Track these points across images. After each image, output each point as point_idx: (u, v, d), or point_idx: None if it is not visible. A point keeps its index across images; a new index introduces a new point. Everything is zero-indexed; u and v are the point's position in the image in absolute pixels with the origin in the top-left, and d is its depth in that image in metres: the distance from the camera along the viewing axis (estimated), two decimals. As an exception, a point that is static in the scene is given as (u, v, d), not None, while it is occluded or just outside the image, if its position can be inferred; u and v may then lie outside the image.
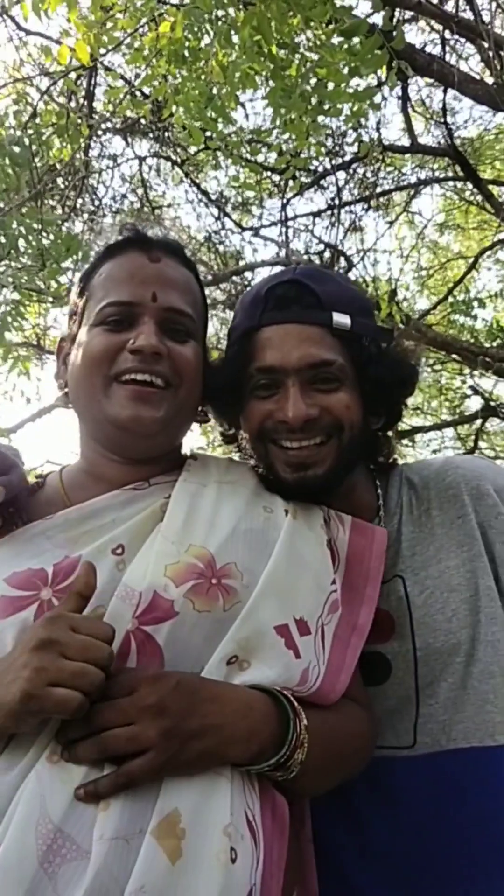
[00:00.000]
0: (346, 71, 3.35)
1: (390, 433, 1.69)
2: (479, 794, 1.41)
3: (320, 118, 3.86)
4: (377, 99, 4.14)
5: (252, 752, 1.11)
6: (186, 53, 3.96)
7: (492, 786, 1.42)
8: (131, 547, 1.25)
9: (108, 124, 7.09)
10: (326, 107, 3.36)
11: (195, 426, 1.57)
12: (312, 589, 1.30)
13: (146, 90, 6.04)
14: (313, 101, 3.55)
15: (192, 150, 7.36)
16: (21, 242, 4.58)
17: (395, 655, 1.50)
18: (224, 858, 1.00)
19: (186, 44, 3.90)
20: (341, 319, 1.47)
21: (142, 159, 7.77)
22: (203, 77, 4.08)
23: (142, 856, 0.97)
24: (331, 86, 3.46)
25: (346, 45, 3.26)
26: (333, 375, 1.47)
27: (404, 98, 6.41)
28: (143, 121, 6.96)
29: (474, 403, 9.30)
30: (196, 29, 3.78)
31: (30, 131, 4.41)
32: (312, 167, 5.91)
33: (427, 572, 1.52)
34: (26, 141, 4.36)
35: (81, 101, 6.10)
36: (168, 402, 1.36)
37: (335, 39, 3.43)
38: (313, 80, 3.39)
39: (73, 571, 1.19)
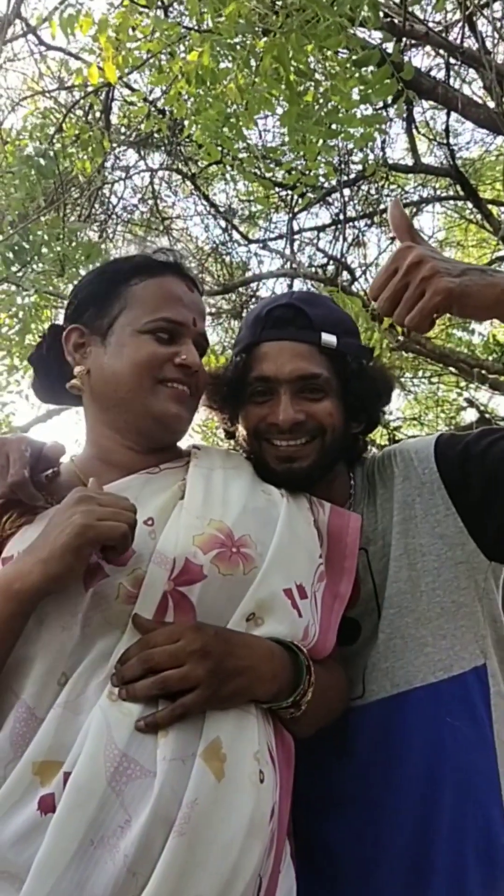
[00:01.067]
0: (356, 97, 3.61)
1: (369, 437, 1.93)
2: (424, 731, 1.58)
3: (330, 140, 4.10)
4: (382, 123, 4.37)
5: (273, 692, 1.32)
6: (202, 74, 4.19)
7: (435, 720, 1.59)
8: (159, 519, 1.42)
9: (123, 137, 7.32)
10: (338, 130, 3.60)
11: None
12: (306, 560, 1.51)
13: (163, 106, 6.31)
14: (326, 122, 3.79)
15: (203, 163, 7.59)
16: (43, 249, 4.82)
17: (363, 618, 1.70)
18: (255, 779, 1.21)
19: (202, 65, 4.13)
20: (329, 339, 1.70)
21: (153, 171, 8.00)
22: (221, 97, 4.33)
23: (194, 774, 1.15)
24: (342, 111, 3.72)
25: (358, 74, 3.51)
26: (320, 386, 1.69)
27: (409, 120, 6.64)
28: (156, 135, 7.18)
29: (469, 416, 9.50)
30: (216, 53, 4.03)
31: (56, 145, 4.65)
32: (319, 184, 6.15)
33: (384, 541, 1.73)
34: (52, 153, 4.61)
35: (99, 115, 6.33)
36: (191, 406, 1.61)
37: (347, 67, 3.68)
38: (327, 106, 3.63)
39: None
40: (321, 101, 3.58)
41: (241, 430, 1.81)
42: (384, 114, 4.01)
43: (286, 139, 5.59)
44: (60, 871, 1.09)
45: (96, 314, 1.60)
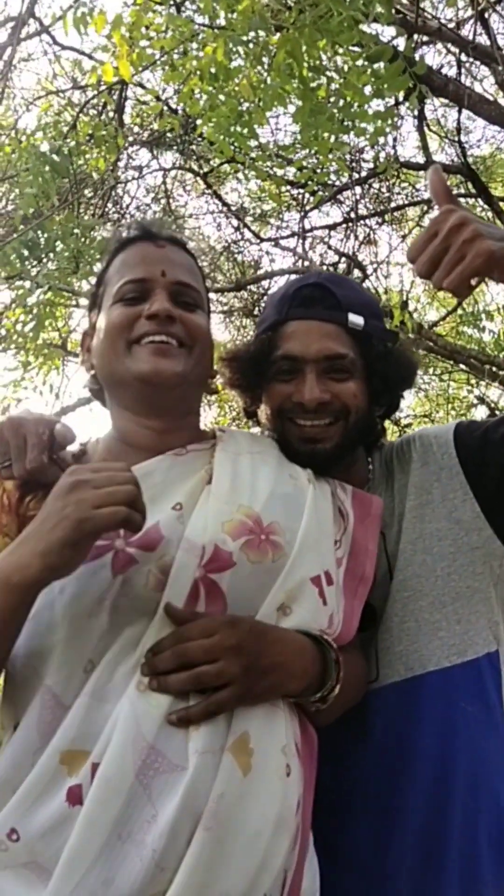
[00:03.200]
0: (368, 92, 3.63)
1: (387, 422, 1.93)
2: (437, 715, 1.58)
3: (343, 136, 4.13)
4: (394, 118, 4.39)
5: (303, 687, 1.32)
6: (216, 71, 4.21)
7: (448, 704, 1.59)
8: (187, 505, 1.39)
9: (136, 136, 7.36)
10: (350, 126, 3.62)
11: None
12: (330, 547, 1.50)
13: (175, 105, 6.34)
14: (338, 118, 3.82)
15: (215, 162, 7.62)
16: (58, 244, 4.86)
17: (378, 601, 1.68)
18: (282, 773, 1.21)
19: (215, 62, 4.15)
20: (356, 320, 1.70)
21: (166, 171, 8.04)
22: (233, 94, 4.35)
23: (222, 769, 1.15)
24: (355, 107, 3.74)
25: (370, 69, 3.53)
26: (345, 367, 1.69)
27: (420, 117, 6.65)
28: (169, 134, 7.21)
29: (480, 413, 9.50)
30: (229, 49, 4.05)
31: (70, 142, 4.69)
32: (331, 181, 6.17)
33: (400, 526, 1.73)
34: (66, 151, 4.65)
35: (112, 114, 6.37)
36: (184, 358, 1.50)
37: (360, 63, 3.70)
38: (339, 102, 3.65)
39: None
40: (334, 97, 3.59)
41: (265, 409, 1.80)
42: (396, 111, 4.00)
43: (298, 137, 5.64)
44: (87, 866, 1.09)
45: (92, 310, 1.64)
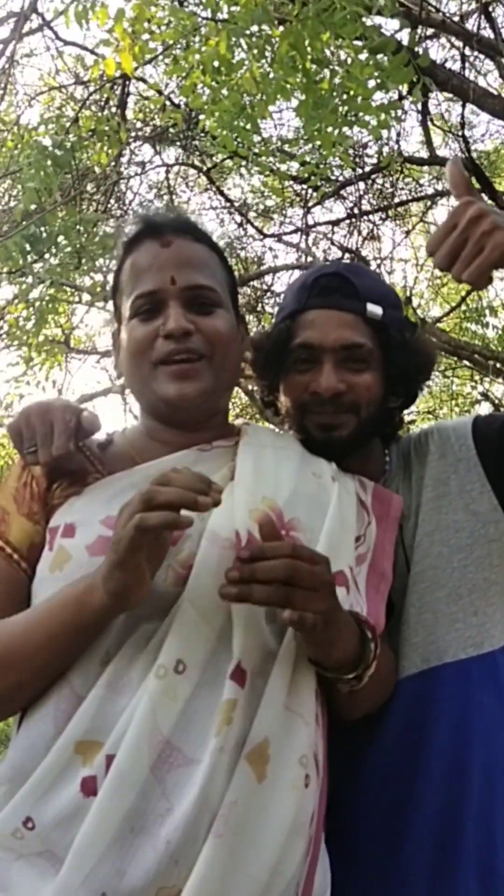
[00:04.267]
0: (372, 85, 3.61)
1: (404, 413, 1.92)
2: (453, 708, 1.58)
3: (346, 130, 4.10)
4: (398, 112, 4.36)
5: (343, 660, 1.30)
6: (218, 64, 4.19)
7: (464, 697, 1.59)
8: None
9: (139, 132, 7.35)
10: (354, 119, 3.60)
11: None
12: (348, 546, 1.46)
13: (177, 99, 6.33)
14: (342, 111, 3.79)
15: (218, 158, 7.61)
16: (60, 239, 4.85)
17: (395, 594, 1.68)
18: (299, 783, 1.18)
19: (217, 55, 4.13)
20: (374, 309, 1.69)
21: (169, 167, 8.02)
22: (236, 88, 4.33)
23: (237, 775, 1.13)
24: (359, 100, 3.72)
25: (374, 62, 3.51)
26: (363, 357, 1.68)
27: (424, 112, 6.63)
28: (171, 129, 7.20)
29: (484, 409, 9.48)
30: (232, 42, 4.03)
31: (71, 136, 4.67)
32: (334, 177, 6.15)
33: (417, 519, 1.73)
34: (68, 145, 4.63)
35: (114, 109, 6.35)
36: (206, 372, 1.47)
37: (363, 55, 3.68)
38: (343, 95, 3.63)
39: None
40: (337, 90, 3.57)
41: (283, 400, 1.79)
42: (400, 105, 3.97)
43: (301, 132, 5.61)
44: (98, 856, 1.09)
45: (115, 314, 1.62)
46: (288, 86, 3.61)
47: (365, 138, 6.64)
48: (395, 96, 4.39)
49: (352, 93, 3.50)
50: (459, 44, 6.33)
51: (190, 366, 1.45)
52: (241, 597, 1.17)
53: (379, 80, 3.49)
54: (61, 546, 1.34)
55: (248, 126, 4.35)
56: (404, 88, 4.73)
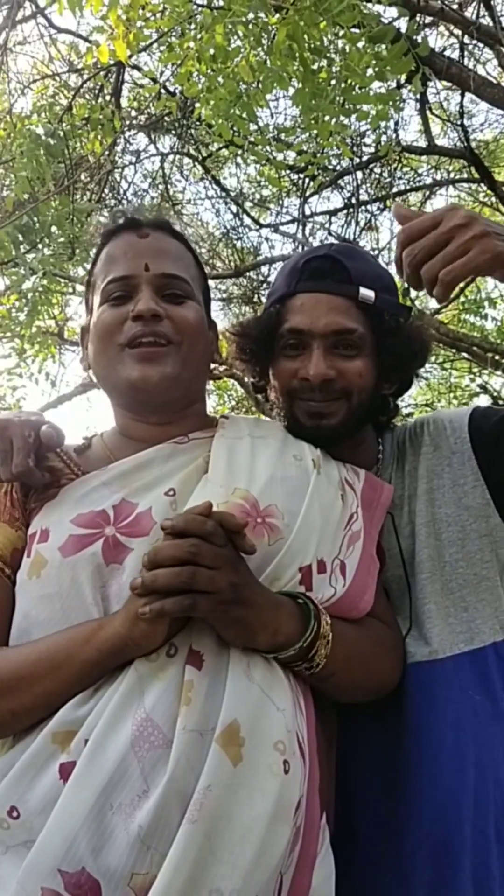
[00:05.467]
0: (370, 74, 3.54)
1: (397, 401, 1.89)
2: (447, 704, 1.55)
3: (344, 119, 4.03)
4: (397, 101, 4.29)
5: (277, 643, 1.26)
6: (214, 52, 4.13)
7: (458, 693, 1.56)
8: (182, 491, 1.39)
9: (134, 121, 7.26)
10: (352, 109, 3.53)
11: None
12: (333, 531, 1.46)
13: (173, 87, 6.24)
14: (339, 101, 3.72)
15: (214, 147, 7.53)
16: (53, 229, 4.78)
17: (389, 583, 1.67)
18: (276, 769, 1.15)
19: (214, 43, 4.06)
20: (367, 293, 1.65)
21: (164, 156, 7.94)
22: (232, 76, 4.26)
23: (209, 758, 1.10)
24: (357, 89, 3.65)
25: (372, 50, 3.44)
26: (354, 343, 1.65)
27: (422, 100, 6.56)
28: (167, 118, 7.12)
29: (483, 402, 9.45)
30: (228, 30, 3.96)
31: (64, 125, 4.60)
32: (331, 166, 6.07)
33: (409, 507, 1.71)
34: (61, 133, 4.56)
35: (109, 97, 6.27)
36: (172, 357, 1.48)
37: (361, 44, 3.61)
38: (341, 84, 3.56)
39: (133, 512, 1.35)
40: (335, 79, 3.50)
41: (273, 385, 1.77)
42: (398, 94, 3.90)
43: (298, 121, 5.54)
44: (76, 829, 1.07)
45: (86, 308, 1.62)
46: (286, 74, 3.53)
47: (363, 127, 6.59)
48: (394, 85, 4.30)
49: (350, 82, 3.42)
50: (458, 32, 6.25)
51: (156, 350, 1.46)
52: (147, 585, 1.18)
53: (377, 70, 3.42)
54: (37, 551, 1.35)
55: (245, 115, 4.29)
56: (402, 77, 4.67)
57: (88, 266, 1.72)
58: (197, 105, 4.43)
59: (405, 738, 1.55)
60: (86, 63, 5.09)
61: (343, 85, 3.52)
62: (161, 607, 1.16)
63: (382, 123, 5.61)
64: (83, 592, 1.29)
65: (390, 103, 3.51)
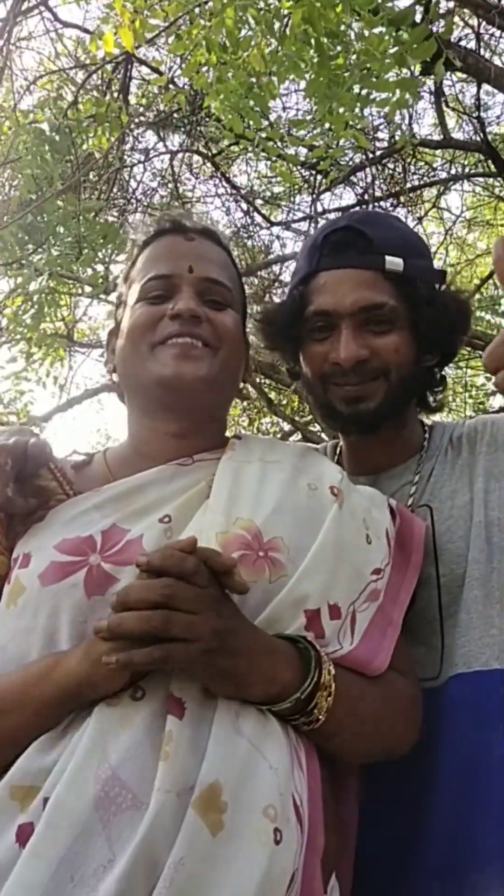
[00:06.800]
0: (389, 60, 3.37)
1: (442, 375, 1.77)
2: (474, 722, 1.42)
3: (363, 109, 3.86)
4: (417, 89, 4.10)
5: (271, 693, 1.13)
6: (227, 42, 3.97)
7: (490, 712, 1.43)
8: (178, 517, 1.28)
9: (142, 118, 7.13)
10: (372, 97, 3.36)
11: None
12: (351, 576, 1.31)
13: (181, 82, 6.09)
14: (357, 89, 3.56)
15: (224, 143, 7.39)
16: (59, 229, 4.63)
17: (420, 583, 1.51)
18: (266, 839, 1.00)
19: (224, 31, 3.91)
20: (394, 262, 1.55)
21: (173, 154, 7.80)
22: (243, 67, 4.10)
23: (184, 826, 0.97)
24: (375, 77, 3.48)
25: (392, 35, 3.27)
26: (385, 317, 1.56)
27: (437, 92, 6.40)
28: (175, 114, 7.00)
29: (498, 401, 9.25)
30: (239, 17, 3.80)
31: (70, 120, 4.44)
32: (345, 160, 5.90)
33: (452, 502, 1.59)
34: (67, 129, 4.40)
35: (116, 93, 6.13)
36: (209, 360, 1.41)
37: (380, 28, 3.44)
38: (359, 71, 3.39)
39: (122, 539, 1.24)
40: (353, 66, 3.33)
41: (305, 371, 1.68)
42: (420, 80, 3.72)
43: (310, 114, 5.37)
44: None
45: (117, 309, 1.57)
46: (301, 61, 3.36)
47: (376, 121, 6.43)
48: (416, 72, 4.11)
49: (369, 69, 3.25)
50: (474, 22, 6.09)
51: (193, 346, 1.39)
52: (112, 629, 1.06)
53: (398, 55, 3.25)
54: (17, 577, 1.26)
55: (256, 107, 4.12)
56: (417, 67, 4.49)
57: (96, 266, 1.65)
58: (206, 97, 4.25)
59: (419, 758, 1.40)
60: (91, 54, 4.93)
61: (361, 72, 3.34)
62: (128, 658, 1.04)
63: (397, 117, 5.44)
64: (59, 630, 1.18)
65: (412, 91, 3.32)
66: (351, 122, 3.69)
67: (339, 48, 3.44)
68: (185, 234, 1.51)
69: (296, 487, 1.39)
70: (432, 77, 3.46)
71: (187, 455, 1.42)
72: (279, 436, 8.61)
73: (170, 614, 1.05)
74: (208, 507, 1.30)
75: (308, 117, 5.24)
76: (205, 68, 4.16)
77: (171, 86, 5.33)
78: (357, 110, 3.85)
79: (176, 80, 6.11)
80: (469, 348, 8.32)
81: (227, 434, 1.58)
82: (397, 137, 5.48)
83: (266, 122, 4.85)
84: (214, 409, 1.51)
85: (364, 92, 3.47)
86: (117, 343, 1.50)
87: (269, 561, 1.22)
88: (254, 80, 4.08)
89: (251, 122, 4.44)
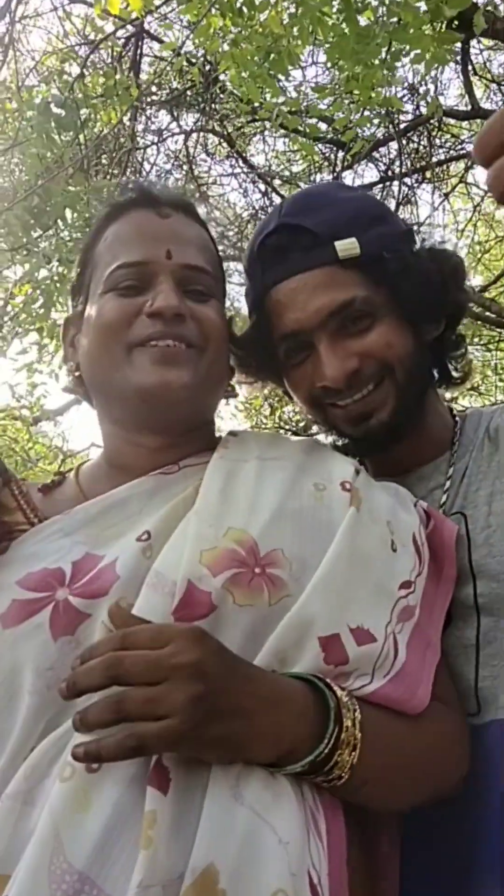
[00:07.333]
0: (423, 12, 3.07)
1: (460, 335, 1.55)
2: None
3: (390, 72, 3.55)
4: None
5: (280, 751, 0.94)
6: (243, 5, 3.70)
7: None
8: (159, 533, 1.11)
9: (154, 97, 6.88)
10: (404, 51, 3.06)
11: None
12: (373, 594, 1.11)
13: (195, 60, 5.82)
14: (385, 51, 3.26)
15: (240, 121, 7.14)
16: (68, 213, 4.37)
17: (452, 603, 1.30)
18: None
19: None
20: (346, 246, 1.33)
21: (187, 133, 7.54)
22: (260, 31, 3.82)
23: None
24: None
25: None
26: (361, 312, 1.35)
27: (464, 60, 6.05)
28: (189, 92, 6.75)
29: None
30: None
31: (77, 93, 4.16)
32: (371, 130, 5.58)
33: (490, 508, 1.36)
34: (73, 104, 4.13)
35: (127, 71, 5.88)
36: (195, 364, 1.23)
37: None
38: (388, 26, 3.09)
39: (95, 569, 1.08)
40: (383, 17, 3.03)
41: (297, 400, 1.49)
42: (458, 35, 3.41)
43: (334, 85, 5.07)
44: None
45: (77, 294, 1.37)
46: (324, 16, 3.05)
47: (399, 93, 6.10)
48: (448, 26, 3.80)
49: (400, 20, 2.94)
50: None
51: (177, 351, 1.21)
52: (85, 729, 0.89)
53: (433, 6, 2.93)
54: None
55: (276, 73, 3.83)
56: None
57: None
58: (220, 63, 3.96)
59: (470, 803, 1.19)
60: (101, 28, 4.65)
61: (391, 27, 3.03)
62: (97, 752, 0.87)
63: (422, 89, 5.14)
64: (21, 679, 1.01)
65: (448, 47, 3.02)
66: (379, 84, 3.36)
67: None
68: (158, 209, 1.30)
69: (299, 488, 1.20)
70: (474, 27, 3.11)
71: (172, 462, 1.25)
72: (302, 426, 8.32)
73: (124, 694, 0.88)
74: (194, 516, 1.12)
75: (330, 86, 4.95)
76: (219, 34, 3.88)
77: (181, 54, 5.03)
78: (385, 72, 3.55)
79: (190, 58, 5.84)
80: (500, 329, 8.01)
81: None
82: (424, 106, 5.19)
83: (283, 98, 4.56)
84: (200, 414, 1.33)
85: (394, 48, 3.15)
86: (80, 338, 1.31)
87: (268, 579, 1.04)
88: (272, 44, 3.80)
89: (269, 94, 4.16)
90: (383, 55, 3.25)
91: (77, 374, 1.33)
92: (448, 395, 1.78)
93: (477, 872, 1.18)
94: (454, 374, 1.55)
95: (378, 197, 7.52)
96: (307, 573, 1.07)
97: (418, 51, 3.03)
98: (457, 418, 1.54)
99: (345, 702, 0.99)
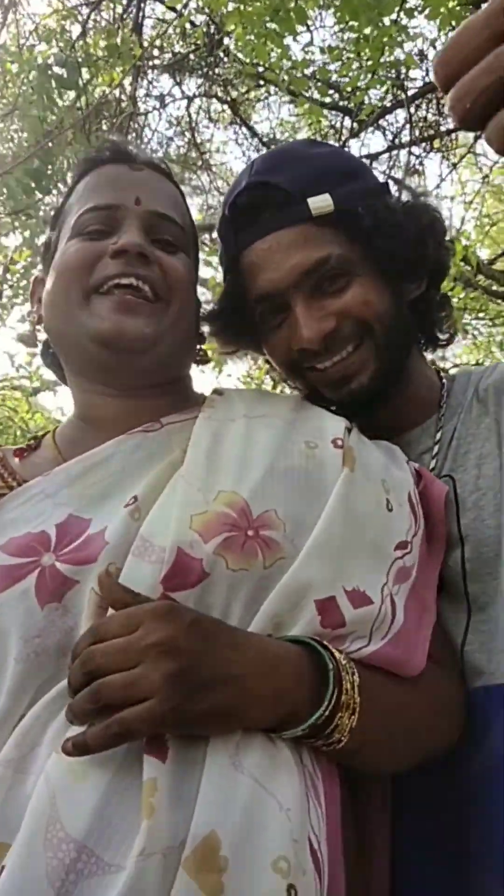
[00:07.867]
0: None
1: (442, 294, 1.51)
2: None
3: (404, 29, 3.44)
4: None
5: (279, 715, 0.92)
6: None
7: None
8: (147, 497, 1.08)
9: (157, 62, 6.75)
10: (420, 8, 2.94)
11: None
12: (370, 555, 1.09)
13: (197, 20, 5.69)
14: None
15: (244, 88, 7.02)
16: (68, 177, 4.27)
17: (441, 567, 1.28)
18: None
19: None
20: (319, 202, 1.30)
21: (190, 99, 7.41)
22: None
23: (175, 893, 0.77)
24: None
25: None
26: (336, 270, 1.32)
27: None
28: (192, 56, 6.62)
29: (538, 359, 8.88)
30: None
31: (78, 53, 4.05)
32: (378, 97, 5.46)
33: (479, 471, 1.32)
34: (75, 64, 4.01)
35: (129, 32, 5.77)
36: (157, 316, 1.20)
37: None
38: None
39: (82, 533, 1.05)
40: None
41: (275, 365, 1.47)
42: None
43: (342, 48, 4.94)
44: None
45: (46, 251, 1.34)
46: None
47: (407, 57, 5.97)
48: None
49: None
50: None
51: (139, 300, 1.18)
52: (76, 721, 0.89)
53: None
54: None
55: (283, 31, 3.71)
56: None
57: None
58: (225, 20, 3.84)
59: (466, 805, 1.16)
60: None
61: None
62: (84, 743, 0.86)
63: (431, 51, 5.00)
64: (7, 648, 0.98)
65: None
66: (392, 44, 3.25)
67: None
68: (130, 163, 1.30)
69: (290, 447, 1.17)
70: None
71: (153, 420, 1.22)
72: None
73: (99, 684, 0.87)
74: (181, 480, 1.09)
75: (337, 50, 4.82)
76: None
77: (184, 14, 4.90)
78: (396, 33, 3.43)
79: (194, 21, 5.71)
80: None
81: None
82: (429, 77, 5.06)
83: (291, 57, 4.44)
84: (169, 369, 1.29)
85: (408, 8, 3.04)
86: (44, 290, 1.27)
87: (262, 541, 1.01)
88: (279, 1, 3.68)
89: (276, 52, 4.03)
90: (395, 14, 3.12)
91: (39, 330, 1.31)
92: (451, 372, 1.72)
93: (466, 843, 1.15)
94: (439, 335, 1.51)
95: (384, 167, 7.42)
96: (302, 533, 1.04)
97: (433, 8, 2.91)
98: (444, 381, 1.50)
99: (343, 664, 0.97)
